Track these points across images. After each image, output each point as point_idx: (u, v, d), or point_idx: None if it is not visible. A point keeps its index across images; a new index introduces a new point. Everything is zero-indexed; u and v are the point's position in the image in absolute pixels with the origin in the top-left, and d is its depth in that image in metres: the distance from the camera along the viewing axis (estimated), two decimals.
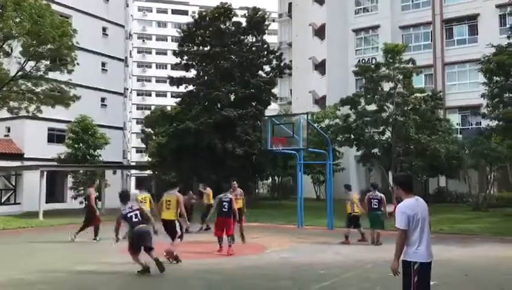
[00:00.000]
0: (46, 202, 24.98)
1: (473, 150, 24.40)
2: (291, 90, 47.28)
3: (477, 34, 32.04)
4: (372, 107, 25.04)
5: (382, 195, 13.70)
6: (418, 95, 24.55)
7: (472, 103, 29.21)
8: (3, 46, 22.81)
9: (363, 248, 12.73)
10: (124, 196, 9.54)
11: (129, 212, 9.23)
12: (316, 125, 27.15)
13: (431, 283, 5.10)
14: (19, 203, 29.01)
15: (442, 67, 33.00)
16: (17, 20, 21.81)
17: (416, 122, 23.30)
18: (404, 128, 23.21)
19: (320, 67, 41.39)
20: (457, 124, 31.10)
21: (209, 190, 17.25)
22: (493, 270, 9.76)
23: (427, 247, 4.94)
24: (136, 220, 9.14)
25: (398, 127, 23.72)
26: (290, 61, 41.71)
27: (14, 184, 29.96)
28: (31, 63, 23.48)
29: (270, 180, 40.51)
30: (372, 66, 26.10)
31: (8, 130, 31.17)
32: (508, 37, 22.01)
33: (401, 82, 24.49)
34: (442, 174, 27.91)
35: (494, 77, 21.87)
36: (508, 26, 28.59)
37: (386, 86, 24.92)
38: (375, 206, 13.35)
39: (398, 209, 5.02)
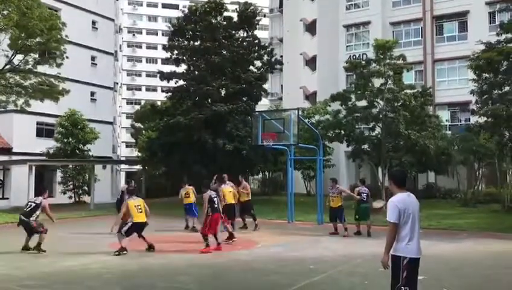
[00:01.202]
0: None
1: (462, 146, 24.62)
2: (282, 85, 47.16)
3: (467, 31, 32.19)
4: (363, 103, 25.05)
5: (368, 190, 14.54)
6: (408, 91, 24.61)
7: (461, 99, 29.39)
8: None
9: (352, 243, 12.81)
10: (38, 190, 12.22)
11: (29, 202, 11.49)
12: (306, 120, 27.13)
13: (419, 277, 5.14)
14: (7, 198, 28.74)
15: (432, 63, 33.14)
16: (5, 12, 21.51)
17: (406, 118, 23.37)
18: (394, 124, 23.28)
19: (311, 63, 41.35)
20: (446, 120, 31.24)
21: (247, 185, 16.06)
22: (480, 265, 9.86)
23: (417, 243, 4.97)
24: (26, 210, 11.19)
25: (388, 123, 23.78)
26: (281, 56, 41.61)
27: (2, 179, 29.69)
28: (19, 56, 23.18)
29: (260, 175, 40.50)
30: (363, 62, 26.13)
31: None
32: (497, 34, 22.14)
33: (392, 78, 24.53)
34: (431, 170, 28.09)
35: (483, 74, 21.98)
36: (497, 23, 28.81)
37: (377, 82, 24.92)
38: (364, 199, 14.08)
39: (389, 203, 5.04)
